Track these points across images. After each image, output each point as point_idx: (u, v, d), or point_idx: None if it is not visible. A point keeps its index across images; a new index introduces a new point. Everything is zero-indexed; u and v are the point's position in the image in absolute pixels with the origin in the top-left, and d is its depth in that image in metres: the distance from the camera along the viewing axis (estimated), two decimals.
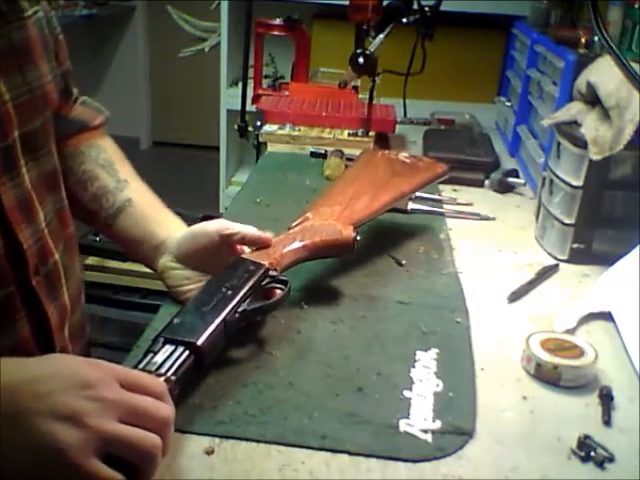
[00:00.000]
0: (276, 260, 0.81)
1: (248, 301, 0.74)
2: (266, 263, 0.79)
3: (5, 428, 0.49)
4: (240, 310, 0.72)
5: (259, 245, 0.82)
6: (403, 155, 1.13)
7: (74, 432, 0.49)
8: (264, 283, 0.78)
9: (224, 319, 0.70)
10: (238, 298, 0.72)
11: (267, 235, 0.82)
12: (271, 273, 0.79)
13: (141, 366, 0.63)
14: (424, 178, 1.08)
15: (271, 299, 0.78)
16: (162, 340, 0.66)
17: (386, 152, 1.17)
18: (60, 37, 0.85)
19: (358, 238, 0.88)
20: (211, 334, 0.67)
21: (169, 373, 0.62)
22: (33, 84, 0.75)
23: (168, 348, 0.65)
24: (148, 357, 0.64)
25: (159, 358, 0.64)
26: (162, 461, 0.55)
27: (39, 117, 0.76)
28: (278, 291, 0.79)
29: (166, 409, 0.55)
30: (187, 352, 0.65)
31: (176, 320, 0.69)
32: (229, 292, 0.73)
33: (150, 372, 0.62)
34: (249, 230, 0.81)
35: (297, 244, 0.85)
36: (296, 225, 0.89)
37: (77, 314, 0.87)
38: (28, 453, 0.49)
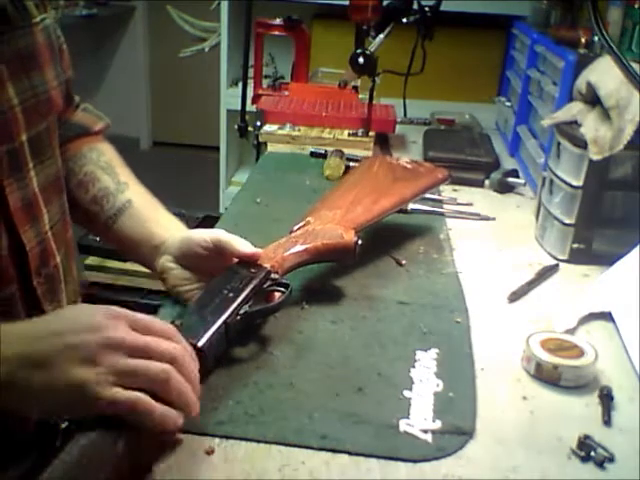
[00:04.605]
0: (278, 263, 0.81)
1: (250, 304, 0.74)
2: (268, 266, 0.79)
3: (32, 374, 0.55)
4: (241, 312, 0.72)
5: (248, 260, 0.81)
6: (404, 160, 1.13)
7: (91, 370, 0.55)
8: (265, 286, 0.78)
9: (225, 321, 0.70)
10: (239, 300, 0.73)
11: (255, 252, 0.80)
12: (273, 276, 0.79)
13: None
14: (425, 184, 1.08)
15: (272, 302, 0.78)
16: None
17: (387, 157, 1.17)
18: (64, 47, 0.87)
19: (360, 243, 0.88)
20: (212, 336, 0.67)
21: None
22: (38, 89, 0.76)
23: None
24: None
25: None
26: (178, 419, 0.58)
27: (43, 121, 0.78)
28: (279, 294, 0.79)
29: (176, 346, 0.60)
30: None
31: (177, 321, 0.69)
32: (231, 294, 0.73)
33: None
34: (240, 246, 0.80)
35: (299, 247, 0.85)
36: (298, 229, 0.89)
37: None
38: (54, 393, 0.56)
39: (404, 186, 1.04)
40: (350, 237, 0.87)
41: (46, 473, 0.51)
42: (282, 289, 0.79)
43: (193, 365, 0.62)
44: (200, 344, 0.66)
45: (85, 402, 0.55)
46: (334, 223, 0.90)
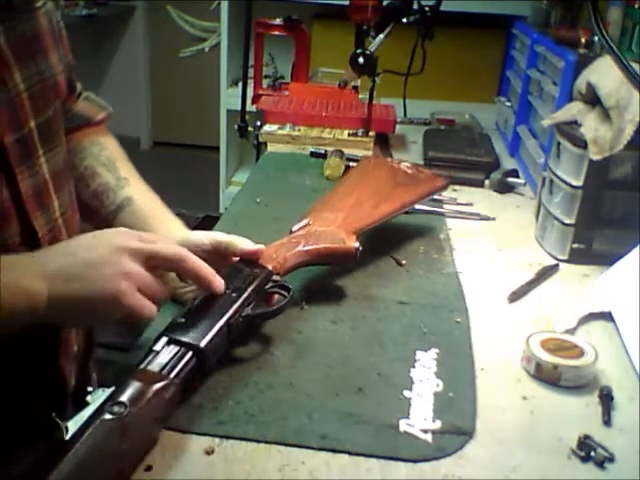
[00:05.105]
0: (279, 264, 0.81)
1: (252, 305, 0.74)
2: (270, 267, 0.79)
3: (71, 285, 0.63)
4: (243, 315, 0.72)
5: (251, 259, 0.81)
6: (405, 165, 1.13)
7: (117, 280, 0.63)
8: (267, 287, 0.78)
9: (227, 322, 0.70)
10: (241, 301, 0.73)
11: (259, 248, 0.81)
12: (274, 278, 0.79)
13: (145, 366, 0.63)
14: (425, 191, 1.08)
15: (273, 304, 0.78)
16: (166, 340, 0.66)
17: (388, 159, 1.17)
18: (63, 31, 0.85)
19: (360, 249, 0.88)
20: (214, 337, 0.67)
21: (172, 375, 0.62)
22: (45, 73, 0.75)
23: (172, 349, 0.65)
24: (152, 356, 0.64)
25: (163, 359, 0.64)
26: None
27: (51, 106, 0.77)
28: (278, 296, 0.79)
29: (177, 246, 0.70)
30: (190, 354, 0.65)
31: (180, 319, 0.69)
32: (233, 294, 0.73)
33: (154, 373, 0.62)
34: (242, 244, 0.80)
35: (300, 249, 0.85)
36: (298, 230, 0.89)
37: None
38: (88, 302, 0.63)
39: (404, 192, 1.04)
40: (352, 243, 0.87)
41: (52, 476, 0.51)
42: (283, 292, 0.79)
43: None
44: (203, 345, 0.66)
45: (114, 306, 0.63)
46: (335, 226, 0.90)
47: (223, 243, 0.79)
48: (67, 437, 0.55)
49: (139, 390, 0.59)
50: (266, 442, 0.63)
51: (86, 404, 0.64)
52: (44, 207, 0.75)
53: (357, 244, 0.88)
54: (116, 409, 0.57)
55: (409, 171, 1.11)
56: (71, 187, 0.84)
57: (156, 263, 0.68)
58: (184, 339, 0.66)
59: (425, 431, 0.66)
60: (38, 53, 0.75)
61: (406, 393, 0.71)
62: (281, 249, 0.83)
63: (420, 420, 0.67)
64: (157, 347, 0.65)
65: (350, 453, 0.62)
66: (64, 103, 0.87)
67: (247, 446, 0.63)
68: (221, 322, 0.69)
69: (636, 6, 1.20)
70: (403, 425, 0.66)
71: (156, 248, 0.68)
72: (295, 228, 0.90)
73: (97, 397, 0.59)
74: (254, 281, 0.76)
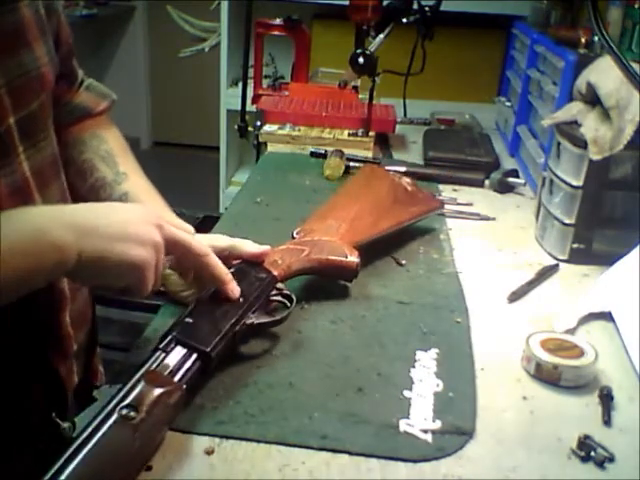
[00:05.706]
0: (284, 271, 0.81)
1: (256, 313, 0.74)
2: (276, 273, 0.80)
3: (115, 246, 0.62)
4: (248, 322, 0.73)
5: (256, 261, 0.81)
6: (405, 181, 1.13)
7: (148, 248, 0.63)
8: (271, 294, 0.79)
9: (234, 329, 0.70)
10: (247, 307, 0.73)
11: (264, 251, 0.81)
12: (278, 285, 0.80)
13: (154, 367, 0.63)
14: (421, 211, 1.09)
15: (272, 308, 0.79)
16: (174, 340, 0.66)
17: (390, 173, 1.17)
18: (62, 18, 0.82)
19: (360, 264, 0.88)
20: (222, 342, 0.68)
21: (181, 378, 0.63)
22: (28, 66, 0.72)
23: (180, 350, 0.65)
24: (161, 356, 0.64)
25: (171, 360, 0.64)
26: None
27: (35, 99, 0.74)
28: (277, 303, 0.79)
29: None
30: (196, 356, 0.65)
31: (187, 319, 0.69)
32: (240, 299, 0.73)
33: (164, 376, 0.62)
34: (247, 247, 0.80)
35: (304, 257, 0.85)
36: (300, 235, 0.90)
37: (79, 301, 0.85)
38: (117, 264, 0.62)
39: (403, 210, 1.05)
40: (353, 259, 0.88)
41: (63, 475, 0.50)
42: (286, 301, 0.79)
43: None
44: (211, 351, 0.66)
45: (134, 277, 0.63)
46: (338, 237, 0.91)
47: (226, 249, 0.79)
48: (74, 434, 0.54)
49: (149, 393, 0.59)
50: (266, 442, 0.63)
51: (93, 400, 0.64)
52: (24, 206, 0.71)
53: (358, 260, 0.88)
54: (126, 412, 0.56)
55: (409, 188, 1.11)
56: (61, 181, 0.81)
57: (176, 251, 0.68)
58: (194, 343, 0.66)
59: (425, 431, 0.66)
60: (21, 46, 0.72)
61: (406, 393, 0.71)
62: (285, 255, 0.83)
63: (420, 420, 0.67)
64: (165, 347, 0.65)
65: (350, 453, 0.62)
66: (64, 95, 0.85)
67: (247, 446, 0.63)
68: (227, 327, 0.69)
69: (636, 6, 1.20)
70: (403, 425, 0.66)
71: (183, 235, 0.68)
72: (296, 233, 0.90)
73: (105, 393, 0.59)
74: (260, 287, 0.76)
